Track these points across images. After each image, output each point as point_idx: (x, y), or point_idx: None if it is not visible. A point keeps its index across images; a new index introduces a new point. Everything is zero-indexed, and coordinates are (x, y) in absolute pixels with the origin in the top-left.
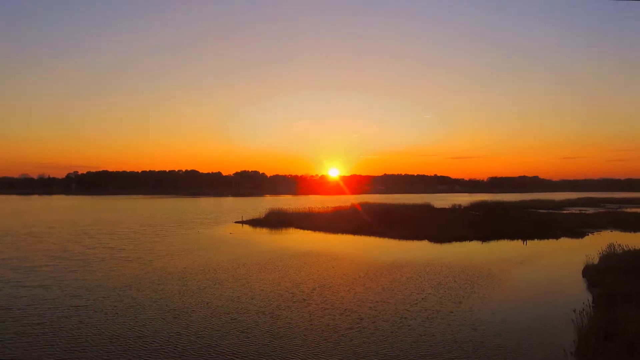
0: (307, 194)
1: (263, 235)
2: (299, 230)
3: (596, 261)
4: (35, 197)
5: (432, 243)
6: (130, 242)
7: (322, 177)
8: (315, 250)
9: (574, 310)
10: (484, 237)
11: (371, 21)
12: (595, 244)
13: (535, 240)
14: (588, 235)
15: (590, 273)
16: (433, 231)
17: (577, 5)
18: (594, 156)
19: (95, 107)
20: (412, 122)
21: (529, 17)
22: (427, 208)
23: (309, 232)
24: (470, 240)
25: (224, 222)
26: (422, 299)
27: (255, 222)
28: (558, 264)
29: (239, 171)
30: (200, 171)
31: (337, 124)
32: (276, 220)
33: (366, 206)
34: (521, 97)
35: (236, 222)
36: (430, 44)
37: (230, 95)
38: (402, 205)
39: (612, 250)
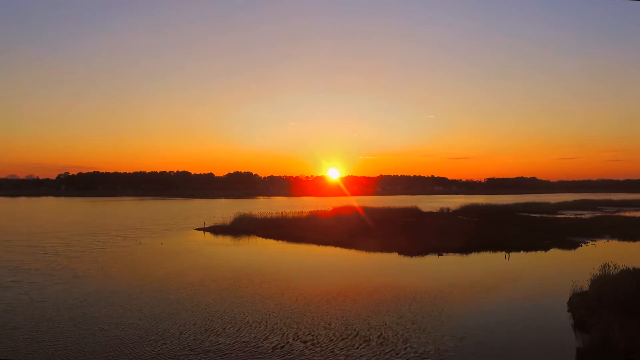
0: (302, 195)
1: (206, 247)
2: (260, 239)
3: (587, 287)
4: (23, 199)
5: (401, 256)
6: (47, 257)
7: (318, 178)
8: (253, 269)
9: None
10: (463, 249)
11: (368, 22)
12: (588, 259)
13: (521, 252)
14: (581, 246)
15: (579, 307)
16: (407, 241)
17: (573, 6)
18: (592, 157)
19: (88, 107)
20: (410, 123)
21: (526, 19)
22: (413, 212)
23: (271, 241)
24: (447, 252)
25: (183, 229)
26: (334, 358)
27: (218, 229)
28: (539, 290)
29: (232, 172)
30: (192, 172)
31: (334, 124)
32: (241, 227)
33: (347, 210)
34: (519, 97)
35: (197, 229)
36: (428, 45)
37: (225, 96)
38: (387, 209)
39: (607, 271)
